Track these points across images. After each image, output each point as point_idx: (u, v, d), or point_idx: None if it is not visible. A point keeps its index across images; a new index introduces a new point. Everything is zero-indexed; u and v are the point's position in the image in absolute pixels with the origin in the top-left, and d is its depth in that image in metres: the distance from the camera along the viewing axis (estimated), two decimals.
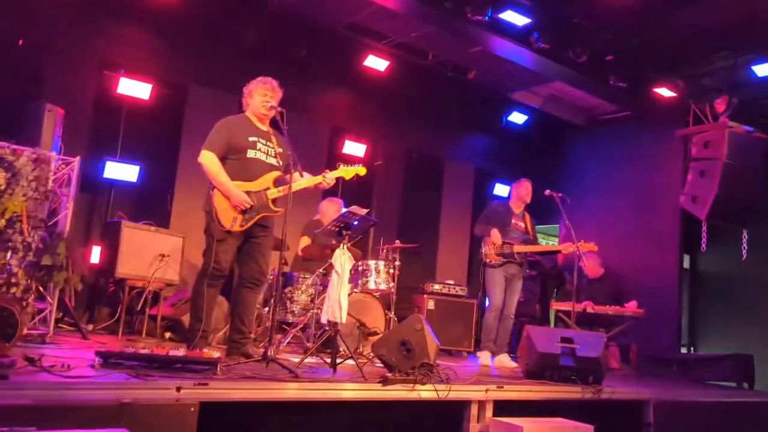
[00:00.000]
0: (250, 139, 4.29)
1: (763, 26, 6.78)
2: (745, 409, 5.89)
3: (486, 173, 9.46)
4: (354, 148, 7.95)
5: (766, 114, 8.10)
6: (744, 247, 7.30)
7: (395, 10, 6.64)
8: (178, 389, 2.88)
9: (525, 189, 6.33)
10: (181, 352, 3.28)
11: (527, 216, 6.35)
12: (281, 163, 4.37)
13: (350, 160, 4.69)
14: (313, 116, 7.71)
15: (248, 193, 4.19)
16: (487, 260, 6.06)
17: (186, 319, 5.51)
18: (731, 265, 9.14)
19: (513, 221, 6.20)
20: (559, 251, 6.42)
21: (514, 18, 6.69)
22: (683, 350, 9.10)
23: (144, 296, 5.59)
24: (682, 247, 8.34)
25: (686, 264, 9.51)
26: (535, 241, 6.33)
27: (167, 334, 5.70)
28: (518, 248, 6.05)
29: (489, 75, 8.29)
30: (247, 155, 4.25)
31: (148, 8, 6.43)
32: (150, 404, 2.77)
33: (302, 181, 4.30)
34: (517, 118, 9.34)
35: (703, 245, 7.42)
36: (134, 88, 6.46)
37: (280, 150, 4.39)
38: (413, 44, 7.68)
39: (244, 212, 4.16)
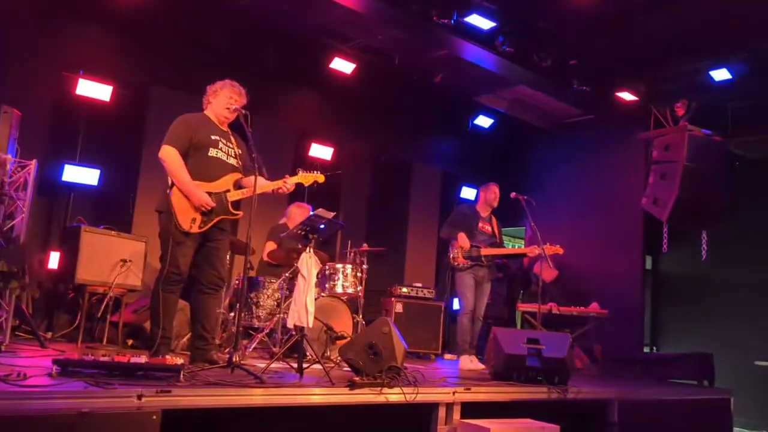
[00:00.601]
0: (212, 137, 4.19)
1: (719, 33, 6.96)
2: (706, 405, 6.02)
3: (453, 176, 9.50)
4: (320, 151, 7.90)
5: (723, 118, 8.32)
6: (704, 248, 7.46)
7: (361, 13, 6.63)
8: (140, 397, 2.80)
9: (493, 193, 6.38)
10: (142, 359, 3.20)
11: (494, 219, 6.41)
12: (241, 164, 4.30)
13: (313, 166, 4.66)
14: (279, 119, 7.65)
15: (208, 193, 4.08)
16: (456, 264, 6.08)
17: (148, 325, 5.40)
18: (691, 266, 9.35)
19: (480, 225, 6.24)
20: (525, 255, 6.47)
21: (480, 22, 6.74)
22: (646, 350, 9.27)
23: (105, 302, 5.46)
24: (644, 248, 8.49)
25: (648, 265, 9.70)
26: (501, 245, 6.38)
27: (129, 341, 5.58)
28: (485, 251, 6.09)
29: (455, 79, 8.33)
30: (209, 153, 4.15)
31: (109, 8, 6.29)
32: (110, 413, 2.70)
33: (262, 185, 4.23)
34: (483, 121, 9.41)
35: (665, 246, 7.56)
36: (94, 90, 6.30)
37: (240, 151, 4.32)
38: (380, 47, 7.68)
39: (203, 213, 4.06)
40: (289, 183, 4.36)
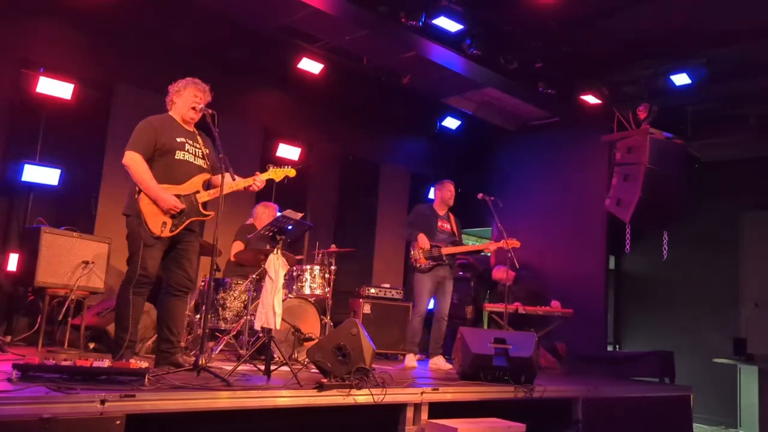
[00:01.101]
0: (178, 139, 4.13)
1: (679, 39, 7.14)
2: (667, 402, 6.16)
3: (421, 177, 9.54)
4: (288, 151, 7.86)
5: (683, 121, 8.53)
6: (665, 248, 7.63)
7: (330, 13, 6.61)
8: (103, 402, 2.75)
9: (449, 191, 6.39)
10: (105, 363, 3.14)
11: (452, 217, 6.42)
12: (208, 164, 4.25)
13: (281, 163, 4.63)
14: (246, 119, 7.59)
15: (177, 196, 4.04)
16: (418, 265, 6.09)
17: (112, 328, 5.29)
18: (653, 266, 9.58)
19: (438, 224, 6.26)
20: (482, 250, 6.52)
21: (448, 24, 6.77)
22: (609, 348, 9.44)
23: (66, 305, 5.33)
24: (607, 248, 8.65)
25: (611, 265, 9.89)
26: (461, 242, 6.41)
27: (91, 345, 5.47)
28: (446, 250, 6.11)
29: (423, 80, 8.36)
30: (175, 157, 4.09)
31: (71, 3, 6.15)
32: (72, 419, 2.64)
33: (232, 183, 4.20)
34: (451, 123, 9.47)
35: (627, 246, 7.71)
36: (55, 88, 6.14)
37: (207, 151, 4.26)
38: (348, 48, 7.67)
39: (173, 217, 4.01)
40: (259, 180, 4.33)
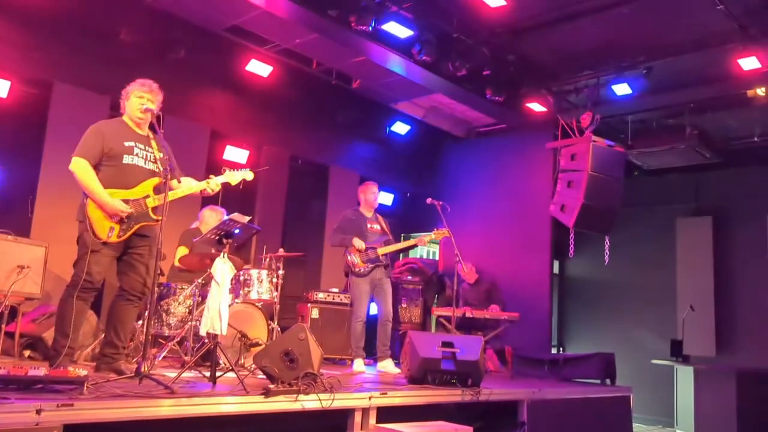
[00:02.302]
0: (126, 144, 4.06)
1: (619, 50, 7.39)
2: (609, 402, 6.33)
3: (371, 181, 9.54)
4: (235, 154, 7.75)
5: (624, 130, 8.81)
6: (606, 253, 7.84)
7: (279, 16, 6.57)
8: (38, 412, 2.64)
9: (372, 193, 6.41)
10: (42, 371, 3.01)
11: (380, 217, 6.43)
12: (162, 168, 4.13)
13: (235, 166, 4.56)
14: (192, 121, 7.44)
15: (126, 201, 3.97)
16: (356, 269, 6.08)
17: (48, 335, 5.12)
18: (595, 270, 9.86)
19: (368, 226, 6.26)
20: (415, 245, 6.53)
21: (398, 30, 6.82)
22: (553, 351, 9.64)
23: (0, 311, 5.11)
24: (552, 252, 8.84)
25: (556, 269, 10.11)
26: (393, 241, 6.44)
27: (26, 353, 5.24)
28: (382, 250, 6.13)
29: (373, 84, 8.40)
30: (123, 161, 4.02)
31: None
32: (5, 430, 2.53)
33: (185, 187, 4.15)
34: (400, 128, 9.53)
35: (571, 251, 7.90)
36: None
37: (161, 155, 4.17)
38: (298, 51, 7.63)
39: (121, 222, 3.94)
40: (213, 183, 4.28)
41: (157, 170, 4.15)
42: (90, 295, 3.97)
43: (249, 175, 4.50)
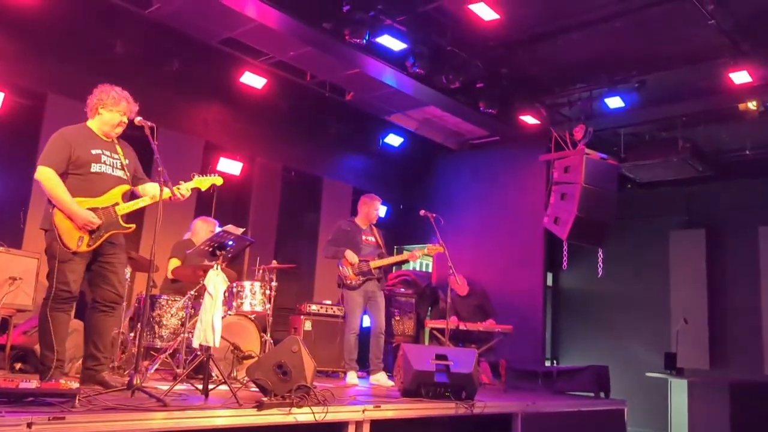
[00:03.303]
0: (93, 152, 3.95)
1: (612, 64, 7.46)
2: (602, 416, 6.31)
3: (364, 193, 9.53)
4: (229, 165, 7.74)
5: (617, 143, 8.87)
6: (599, 265, 7.86)
7: (273, 28, 6.60)
8: (30, 425, 2.62)
9: (375, 209, 6.37)
10: (33, 384, 2.99)
11: (374, 229, 6.39)
12: (129, 175, 4.09)
13: (231, 180, 4.53)
14: (186, 132, 7.45)
15: (95, 210, 3.87)
16: (348, 282, 6.05)
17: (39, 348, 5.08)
18: (589, 282, 9.85)
19: (363, 238, 6.23)
20: (407, 260, 6.49)
21: (391, 43, 6.86)
22: (547, 363, 9.62)
23: None
24: (545, 265, 8.84)
25: (549, 281, 10.12)
26: (387, 254, 6.41)
27: (17, 365, 5.19)
28: (375, 263, 6.10)
29: (366, 97, 8.43)
30: (91, 170, 3.92)
31: (1, 10, 5.92)
32: None
33: (154, 194, 4.05)
34: (394, 140, 9.56)
35: (565, 263, 7.91)
36: None
37: (127, 161, 4.10)
38: (292, 63, 7.66)
39: (90, 231, 3.85)
40: (183, 188, 4.16)
41: (125, 177, 4.06)
42: (67, 305, 3.87)
43: (218, 180, 4.44)
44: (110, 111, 4.03)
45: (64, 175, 3.85)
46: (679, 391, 7.81)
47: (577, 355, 10.13)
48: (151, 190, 4.12)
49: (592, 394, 6.90)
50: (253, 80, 7.64)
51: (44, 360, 3.80)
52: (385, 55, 7.10)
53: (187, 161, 7.30)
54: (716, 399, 7.21)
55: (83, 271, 3.92)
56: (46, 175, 3.80)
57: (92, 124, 4.08)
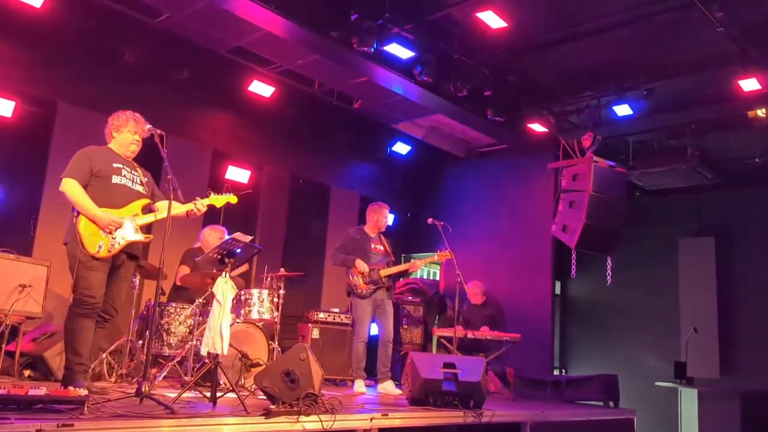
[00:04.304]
0: (115, 165, 4.19)
1: (620, 71, 7.45)
2: (611, 425, 6.26)
3: (371, 201, 9.55)
4: (237, 173, 7.77)
5: (625, 150, 8.84)
6: (608, 274, 7.82)
7: (281, 37, 6.63)
8: None
9: (384, 216, 6.34)
10: (42, 390, 3.00)
11: (383, 238, 6.37)
12: (148, 191, 4.32)
13: (229, 188, 4.61)
14: (195, 140, 7.49)
15: None
16: (358, 291, 6.03)
17: (49, 355, 5.10)
18: (597, 291, 9.80)
19: (372, 246, 6.21)
20: (407, 270, 6.43)
21: (399, 51, 6.87)
22: (555, 372, 9.57)
23: (0, 331, 5.08)
24: (553, 273, 8.81)
25: (557, 290, 10.07)
26: (396, 262, 6.38)
27: (26, 372, 5.22)
28: (385, 272, 6.08)
29: (374, 105, 8.45)
30: (112, 181, 4.13)
31: (13, 19, 5.98)
32: None
33: (173, 208, 4.15)
34: (401, 148, 9.57)
35: (573, 272, 7.87)
36: None
37: (146, 179, 4.34)
38: (299, 72, 7.69)
39: (111, 238, 4.01)
40: (200, 204, 4.36)
41: (144, 192, 4.28)
42: (91, 311, 4.00)
43: (233, 199, 4.61)
44: (122, 133, 4.27)
45: (86, 187, 4.05)
46: (689, 401, 7.74)
47: (585, 364, 10.06)
48: (166, 206, 4.21)
49: (601, 404, 6.85)
50: (261, 89, 7.68)
51: (69, 364, 3.95)
52: (392, 63, 7.12)
53: (196, 169, 7.35)
54: (727, 409, 7.14)
55: (105, 279, 4.06)
56: (70, 186, 4.02)
57: (112, 146, 4.31)
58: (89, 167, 4.08)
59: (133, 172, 4.27)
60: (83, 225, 3.98)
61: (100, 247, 3.98)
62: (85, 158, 4.11)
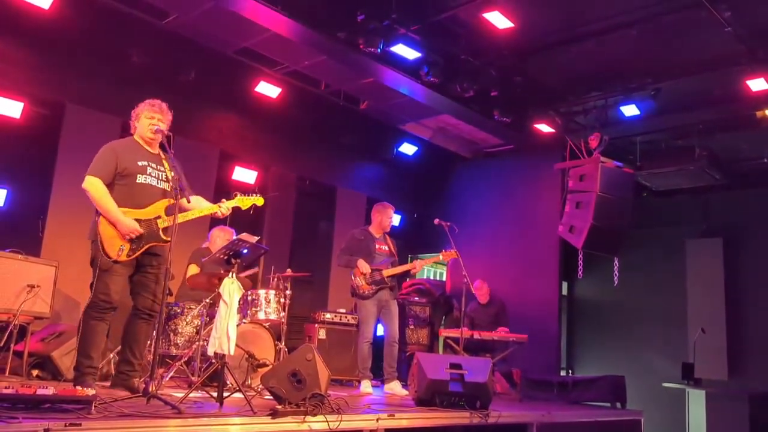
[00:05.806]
0: (140, 163, 4.12)
1: (627, 72, 7.42)
2: (618, 426, 6.25)
3: (377, 202, 9.55)
4: (244, 174, 7.80)
5: (632, 151, 8.81)
6: (615, 275, 7.79)
7: (288, 38, 6.64)
8: (46, 431, 2.63)
9: (388, 217, 6.33)
10: (50, 390, 3.01)
11: (388, 238, 6.36)
12: (173, 187, 4.18)
13: (246, 189, 4.60)
14: (202, 141, 7.51)
15: (138, 221, 4.01)
16: (360, 291, 6.03)
17: (57, 354, 5.13)
18: (604, 292, 9.77)
19: (376, 246, 6.20)
20: (408, 270, 6.41)
21: (405, 52, 6.87)
22: (562, 373, 9.54)
23: (8, 331, 5.12)
24: (560, 274, 8.78)
25: (564, 290, 10.04)
26: (399, 262, 6.37)
27: (35, 372, 5.24)
28: (387, 272, 6.06)
29: (380, 106, 8.45)
30: (137, 180, 4.08)
31: (22, 21, 6.02)
32: None
33: (196, 210, 4.20)
34: (408, 149, 9.56)
35: (580, 272, 7.85)
36: (4, 106, 5.99)
37: (173, 174, 4.21)
38: (306, 72, 7.70)
39: (131, 241, 3.98)
40: (225, 207, 4.32)
41: (169, 190, 4.19)
42: (106, 314, 4.00)
43: (259, 201, 4.54)
44: (140, 120, 4.22)
45: (110, 186, 4.02)
46: (697, 402, 7.71)
47: (592, 365, 10.03)
48: (195, 204, 4.22)
49: (608, 405, 6.83)
50: (267, 89, 7.70)
51: (79, 365, 3.95)
52: (399, 64, 7.12)
53: (203, 170, 7.38)
54: (735, 410, 7.11)
55: (125, 282, 4.07)
56: (93, 185, 3.98)
57: (136, 136, 4.26)
58: (114, 164, 4.02)
59: (158, 167, 4.20)
60: (104, 226, 3.95)
61: (121, 250, 3.95)
62: (111, 153, 4.06)
